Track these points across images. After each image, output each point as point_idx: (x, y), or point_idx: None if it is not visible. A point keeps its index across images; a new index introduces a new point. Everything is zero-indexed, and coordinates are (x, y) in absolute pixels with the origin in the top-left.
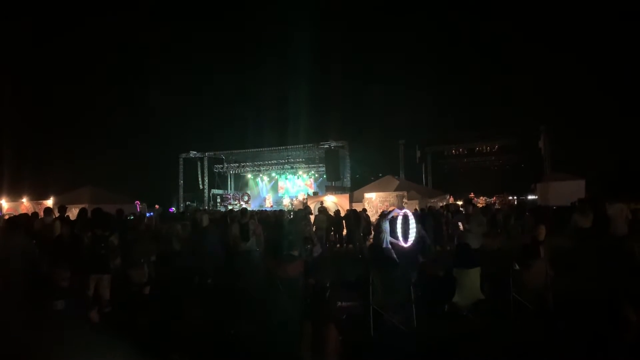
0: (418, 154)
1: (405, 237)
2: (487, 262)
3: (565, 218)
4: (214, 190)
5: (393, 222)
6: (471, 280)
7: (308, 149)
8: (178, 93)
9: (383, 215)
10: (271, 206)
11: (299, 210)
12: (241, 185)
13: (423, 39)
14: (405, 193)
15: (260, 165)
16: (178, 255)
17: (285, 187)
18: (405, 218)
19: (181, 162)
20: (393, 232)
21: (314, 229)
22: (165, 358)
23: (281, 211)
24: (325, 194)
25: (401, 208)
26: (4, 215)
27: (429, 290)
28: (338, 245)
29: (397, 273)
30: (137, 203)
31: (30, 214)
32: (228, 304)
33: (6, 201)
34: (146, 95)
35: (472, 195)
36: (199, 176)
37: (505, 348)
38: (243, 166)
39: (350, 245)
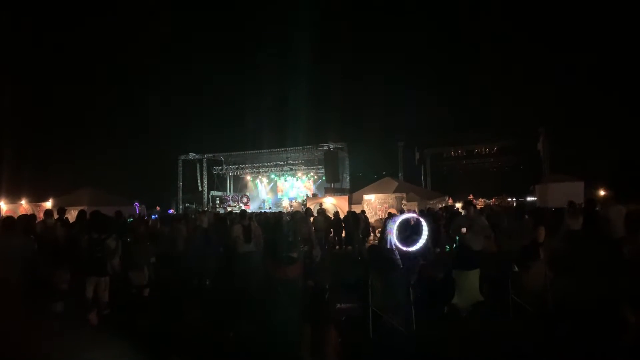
0: (417, 155)
1: (413, 242)
2: (486, 264)
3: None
4: (213, 192)
5: (404, 226)
6: (470, 282)
7: (307, 151)
8: (177, 95)
9: (390, 216)
10: (269, 208)
11: (296, 212)
12: (240, 187)
13: (422, 40)
14: (404, 195)
15: (259, 167)
16: (178, 256)
17: (285, 188)
18: (418, 223)
19: (180, 164)
20: (402, 236)
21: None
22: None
23: (280, 213)
24: (324, 196)
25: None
26: (2, 217)
27: (428, 292)
28: (337, 247)
29: (397, 275)
30: (137, 205)
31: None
32: (227, 305)
33: (5, 203)
34: (145, 96)
35: (471, 196)
36: (198, 178)
37: (505, 350)
38: (242, 168)
39: (350, 247)
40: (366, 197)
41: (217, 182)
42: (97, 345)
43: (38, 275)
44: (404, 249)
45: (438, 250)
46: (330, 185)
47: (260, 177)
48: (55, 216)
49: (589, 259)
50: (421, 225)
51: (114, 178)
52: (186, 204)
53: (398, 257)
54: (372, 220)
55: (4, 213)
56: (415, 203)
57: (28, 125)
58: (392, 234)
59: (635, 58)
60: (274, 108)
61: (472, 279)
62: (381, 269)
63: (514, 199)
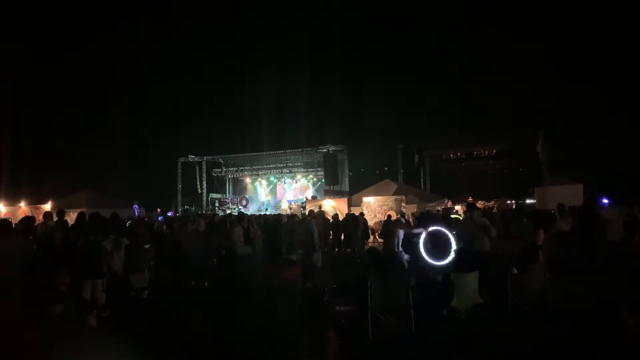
0: (416, 158)
1: (441, 255)
2: (485, 266)
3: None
4: (212, 194)
5: (432, 238)
6: (470, 284)
7: (307, 153)
8: (177, 97)
9: (397, 221)
10: (266, 210)
11: (293, 215)
12: (239, 189)
13: (422, 43)
14: (403, 197)
15: (258, 169)
16: (177, 258)
17: (284, 191)
18: (445, 236)
19: (179, 166)
20: (431, 249)
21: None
22: None
23: (280, 215)
24: (323, 198)
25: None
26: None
27: (427, 294)
28: (337, 249)
29: (396, 277)
30: (136, 207)
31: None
32: (227, 307)
33: (4, 205)
34: (145, 99)
35: (470, 199)
36: (198, 180)
37: (504, 352)
38: (241, 170)
39: (349, 249)
40: (365, 199)
41: (217, 185)
42: (95, 347)
43: (37, 277)
44: (434, 263)
45: None
46: (330, 187)
47: (259, 179)
48: (55, 218)
49: (578, 260)
50: (449, 238)
51: (113, 180)
52: (185, 207)
53: (404, 260)
54: (371, 222)
55: (3, 215)
56: (415, 205)
57: (27, 127)
58: (420, 247)
59: (635, 60)
60: (274, 110)
61: (471, 281)
62: (380, 271)
63: (514, 202)
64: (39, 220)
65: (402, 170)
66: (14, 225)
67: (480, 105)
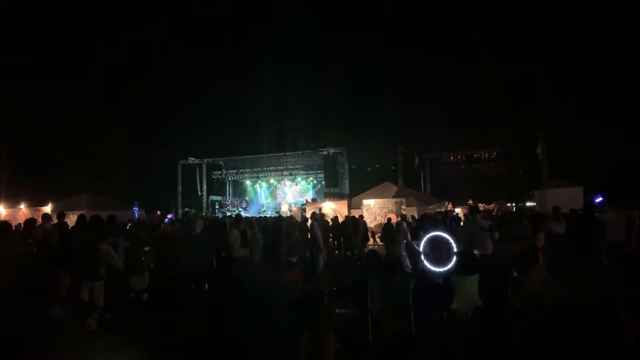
0: (416, 160)
1: (442, 261)
2: (485, 269)
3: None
4: (212, 196)
5: (432, 244)
6: (470, 287)
7: (307, 156)
8: (177, 99)
9: (399, 224)
10: (264, 211)
11: (290, 217)
12: (239, 191)
13: (421, 46)
14: (403, 199)
15: (258, 171)
16: (176, 260)
17: (284, 193)
18: (446, 241)
19: (180, 169)
20: (432, 255)
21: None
22: None
23: (280, 217)
24: (323, 201)
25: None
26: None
27: (427, 296)
28: (337, 252)
29: (396, 279)
30: (136, 209)
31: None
32: (225, 310)
33: (4, 207)
34: (145, 101)
35: (470, 201)
36: (198, 182)
37: (504, 354)
38: (241, 172)
39: (349, 252)
40: (365, 202)
41: (217, 187)
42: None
43: (37, 279)
44: (435, 269)
45: None
46: (330, 190)
47: (259, 181)
48: (55, 220)
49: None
50: (450, 244)
51: (113, 182)
52: (185, 209)
53: (408, 264)
54: (371, 225)
55: (3, 217)
56: (415, 208)
57: (27, 129)
58: (421, 254)
59: (635, 62)
60: (274, 113)
61: (471, 283)
62: (380, 274)
63: (514, 204)
64: (39, 222)
65: (402, 173)
66: (16, 228)
67: (480, 107)
